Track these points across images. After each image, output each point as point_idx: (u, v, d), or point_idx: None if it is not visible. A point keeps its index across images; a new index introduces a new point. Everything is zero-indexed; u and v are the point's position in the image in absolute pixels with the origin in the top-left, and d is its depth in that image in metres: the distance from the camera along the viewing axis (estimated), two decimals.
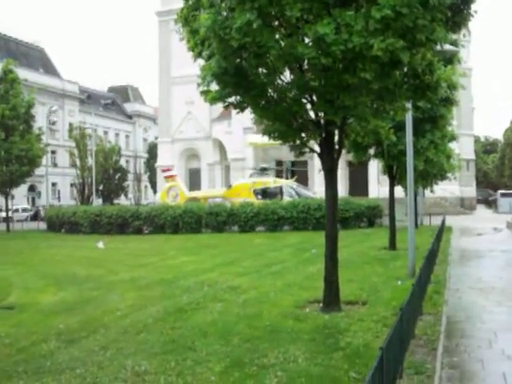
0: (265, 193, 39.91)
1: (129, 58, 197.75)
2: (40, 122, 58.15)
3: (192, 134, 63.94)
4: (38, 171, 47.67)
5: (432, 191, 33.01)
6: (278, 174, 49.26)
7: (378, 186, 51.25)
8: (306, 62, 9.10)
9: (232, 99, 10.38)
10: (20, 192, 59.07)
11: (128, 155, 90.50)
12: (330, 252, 10.73)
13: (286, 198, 36.97)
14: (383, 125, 11.63)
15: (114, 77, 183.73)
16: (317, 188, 48.42)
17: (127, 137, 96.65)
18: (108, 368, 7.61)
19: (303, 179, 50.77)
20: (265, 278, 14.83)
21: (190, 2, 9.88)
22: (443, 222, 26.12)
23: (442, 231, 22.65)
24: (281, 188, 39.98)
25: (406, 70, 9.34)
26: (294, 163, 49.69)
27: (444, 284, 13.43)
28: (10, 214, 44.63)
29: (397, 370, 6.30)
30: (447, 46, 11.34)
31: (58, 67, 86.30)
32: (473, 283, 13.81)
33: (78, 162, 62.18)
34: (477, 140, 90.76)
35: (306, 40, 8.47)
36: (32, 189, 70.91)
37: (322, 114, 10.20)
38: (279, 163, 54.60)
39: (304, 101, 10.12)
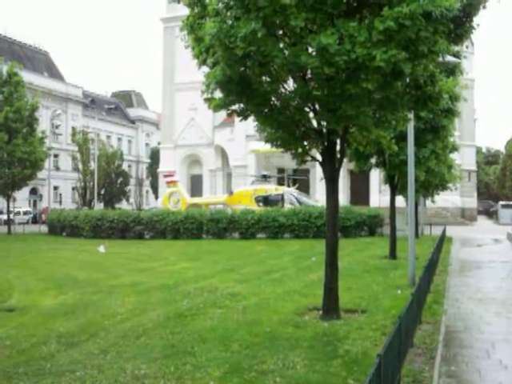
0: (266, 200, 39.89)
1: (133, 63, 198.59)
2: (43, 125, 58.31)
3: (194, 140, 64.04)
4: (41, 174, 47.77)
5: (433, 201, 33.08)
6: (280, 182, 49.31)
7: (379, 195, 51.36)
8: (309, 71, 9.20)
9: (235, 107, 10.48)
10: (22, 195, 59.11)
11: (130, 160, 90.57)
12: (330, 260, 10.80)
13: (288, 206, 36.98)
14: (385, 135, 11.68)
15: (117, 82, 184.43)
16: (318, 196, 48.51)
17: (130, 142, 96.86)
18: (108, 371, 7.67)
19: (305, 187, 50.87)
20: (265, 285, 14.85)
21: (196, 10, 9.99)
22: (444, 232, 26.14)
23: (442, 241, 22.69)
24: (282, 196, 39.96)
25: (407, 80, 9.45)
26: (295, 171, 49.74)
27: (443, 294, 13.48)
28: (11, 216, 44.64)
29: (394, 378, 6.35)
30: (449, 58, 11.41)
31: (63, 71, 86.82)
32: (472, 294, 13.84)
33: (80, 166, 62.24)
34: (478, 151, 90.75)
35: (310, 50, 8.57)
36: (34, 192, 70.99)
37: (324, 123, 10.30)
38: (281, 171, 54.68)
39: (307, 109, 10.20)
